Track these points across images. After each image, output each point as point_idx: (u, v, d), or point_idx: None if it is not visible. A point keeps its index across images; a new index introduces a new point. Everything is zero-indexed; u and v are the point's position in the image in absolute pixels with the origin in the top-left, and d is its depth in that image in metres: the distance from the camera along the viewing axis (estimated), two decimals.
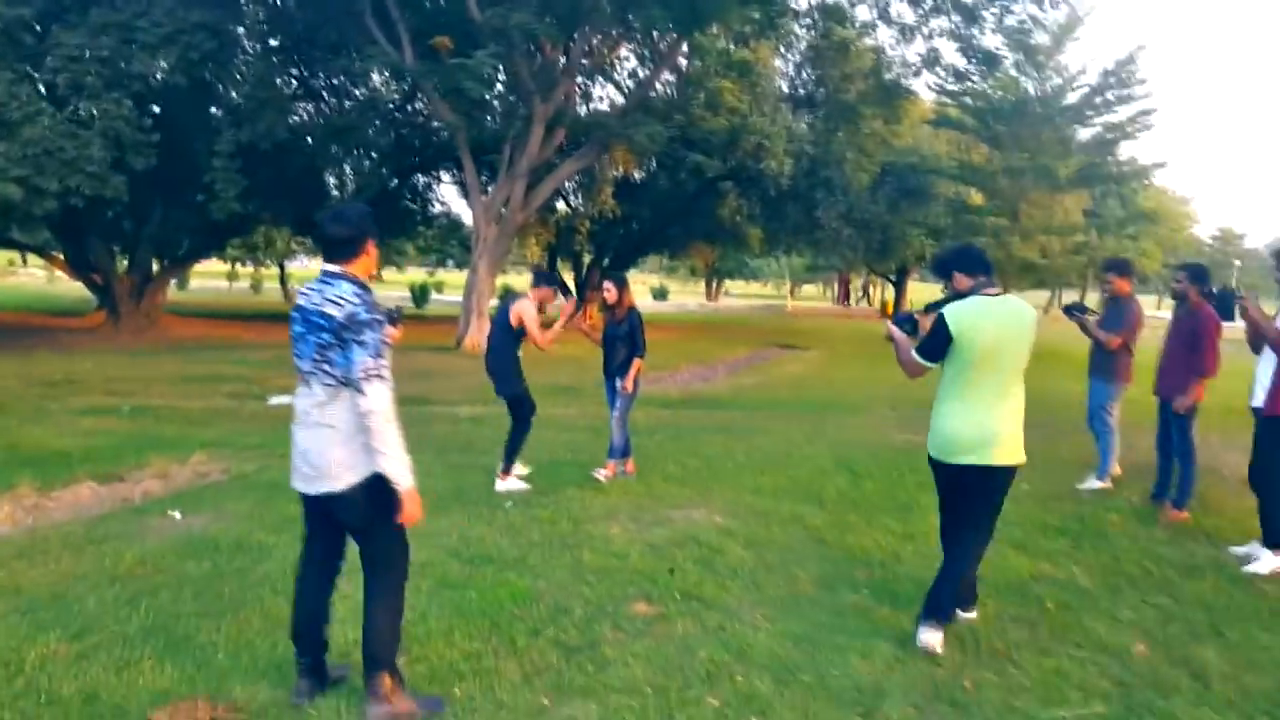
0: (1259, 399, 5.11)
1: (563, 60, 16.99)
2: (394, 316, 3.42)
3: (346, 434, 3.07)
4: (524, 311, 6.53)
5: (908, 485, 6.77)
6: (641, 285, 62.83)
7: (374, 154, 23.73)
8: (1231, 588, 4.69)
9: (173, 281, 38.75)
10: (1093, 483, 6.90)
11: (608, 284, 6.98)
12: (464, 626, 4.00)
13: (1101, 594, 4.56)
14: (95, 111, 16.07)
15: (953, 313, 3.74)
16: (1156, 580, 4.77)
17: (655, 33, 17.75)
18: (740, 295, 77.31)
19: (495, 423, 9.86)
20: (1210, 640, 3.98)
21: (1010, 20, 18.74)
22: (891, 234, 24.87)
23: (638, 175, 24.11)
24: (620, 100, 22.26)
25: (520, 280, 40.46)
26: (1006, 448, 3.73)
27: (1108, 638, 3.99)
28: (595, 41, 19.54)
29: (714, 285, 61.10)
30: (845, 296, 64.77)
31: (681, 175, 22.86)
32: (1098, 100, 23.15)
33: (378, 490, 3.08)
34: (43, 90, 16.23)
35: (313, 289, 3.16)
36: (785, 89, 23.31)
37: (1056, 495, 6.57)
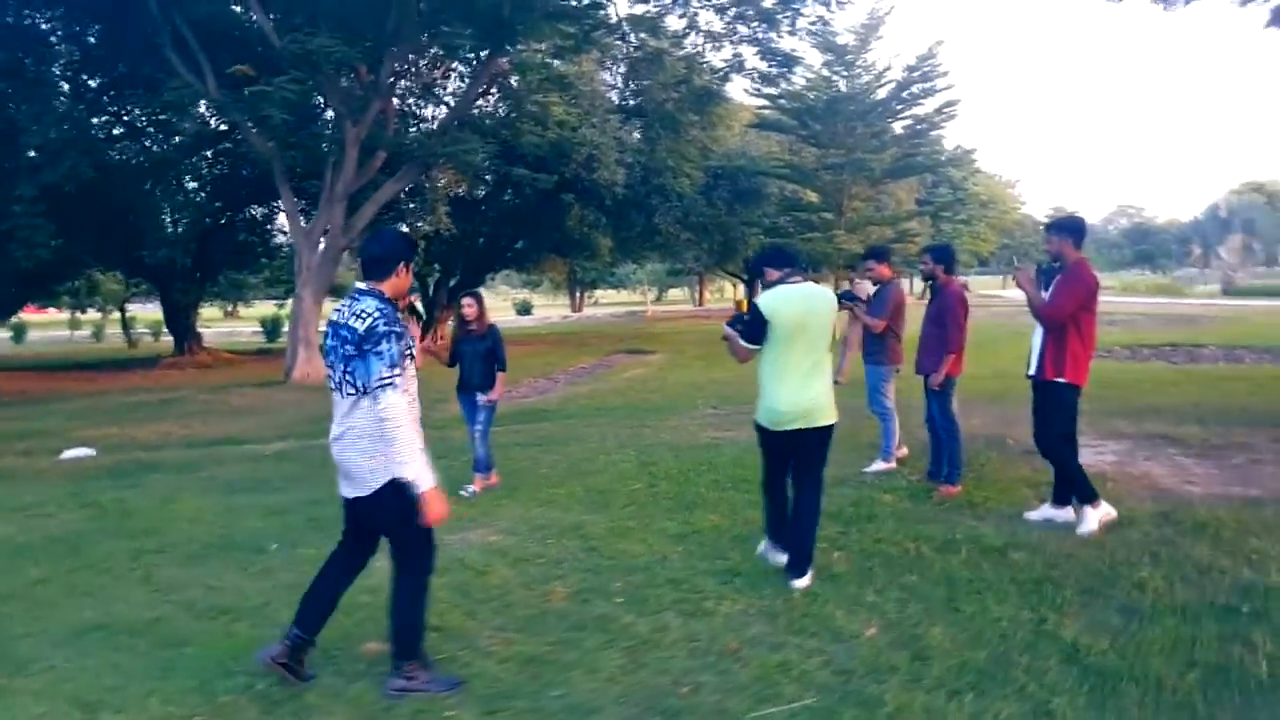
0: (1033, 368, 5.31)
1: (373, 81, 16.46)
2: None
3: (371, 441, 3.28)
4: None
5: (701, 484, 6.78)
6: (504, 301, 62.34)
7: (204, 188, 22.50)
8: (982, 559, 4.78)
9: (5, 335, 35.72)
10: (877, 465, 7.06)
11: (468, 300, 7.00)
12: (164, 690, 3.63)
13: (852, 579, 4.57)
14: None
15: (764, 300, 4.50)
16: (910, 560, 4.82)
17: (466, 52, 17.45)
18: (608, 304, 77.61)
19: (299, 457, 9.47)
20: (943, 617, 4.02)
21: (802, 22, 19.45)
22: (731, 235, 25.38)
23: (473, 192, 23.68)
24: (454, 119, 21.79)
25: None
26: (826, 410, 4.52)
27: (844, 624, 3.97)
28: (420, 62, 19.12)
29: (578, 296, 61.00)
30: (703, 298, 65.90)
31: (522, 190, 22.66)
32: (904, 94, 24.37)
33: (404, 493, 3.28)
34: None
35: (344, 305, 3.43)
36: (615, 100, 23.42)
37: (839, 480, 6.63)
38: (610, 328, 37.66)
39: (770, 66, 20.71)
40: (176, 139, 20.34)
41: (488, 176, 22.44)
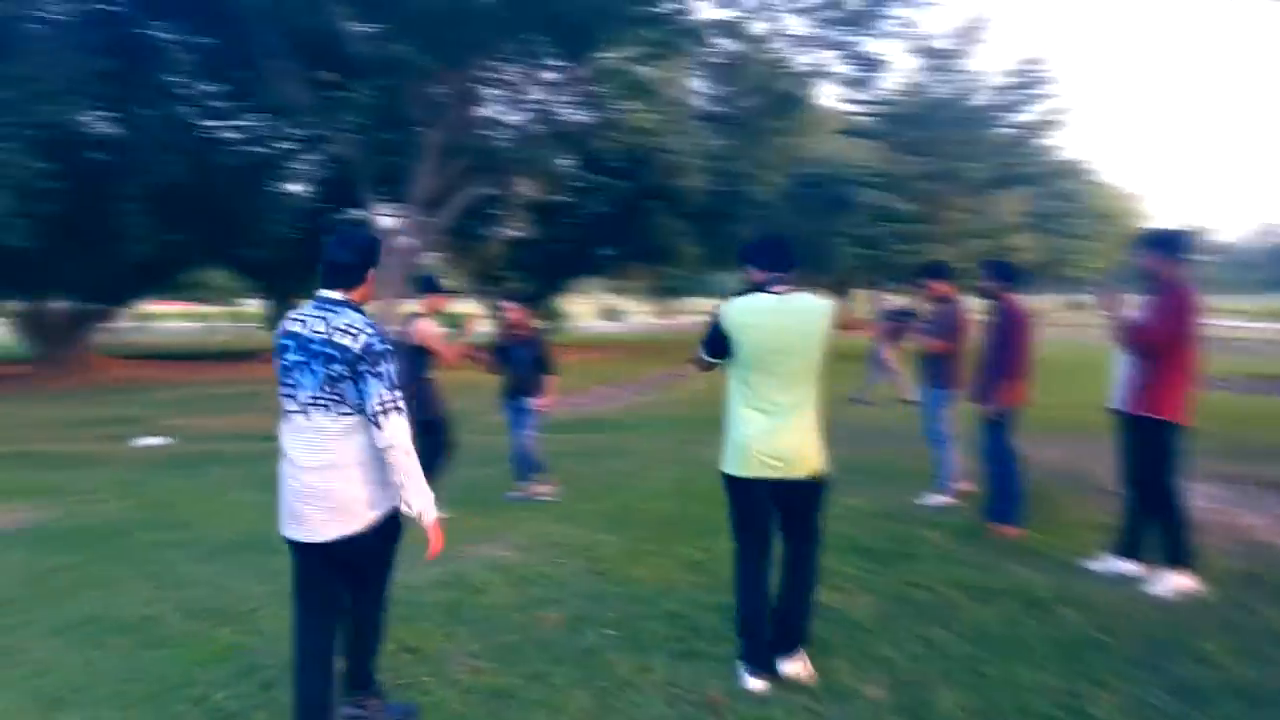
0: (1117, 399, 4.78)
1: (453, 88, 16.63)
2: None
3: (363, 469, 2.97)
4: (425, 330, 6.19)
5: None
6: (592, 306, 62.61)
7: (308, 190, 23.18)
8: (1023, 614, 4.29)
9: (131, 325, 37.82)
10: (932, 498, 6.55)
11: (510, 304, 7.03)
12: (126, 693, 3.56)
13: (873, 626, 4.15)
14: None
15: (731, 310, 3.49)
16: (941, 608, 4.37)
17: (547, 59, 17.43)
18: (702, 313, 77.04)
19: None
20: (961, 679, 3.58)
21: (890, 25, 18.65)
22: (819, 246, 24.55)
23: (554, 198, 23.71)
24: (536, 126, 21.84)
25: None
26: (809, 459, 3.49)
27: (845, 680, 3.57)
28: (502, 69, 19.27)
29: (668, 303, 60.58)
30: None
31: (606, 197, 22.57)
32: (1007, 101, 23.18)
33: (390, 525, 3.07)
34: None
35: (311, 315, 3.02)
36: (701, 106, 23.09)
37: (884, 513, 6.19)
38: (696, 335, 37.17)
39: (857, 71, 19.97)
40: (277, 143, 21.05)
41: (570, 183, 22.42)
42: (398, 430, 2.90)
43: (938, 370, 6.58)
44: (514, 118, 19.51)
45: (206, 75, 19.59)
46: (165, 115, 17.94)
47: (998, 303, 5.88)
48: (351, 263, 3.08)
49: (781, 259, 3.57)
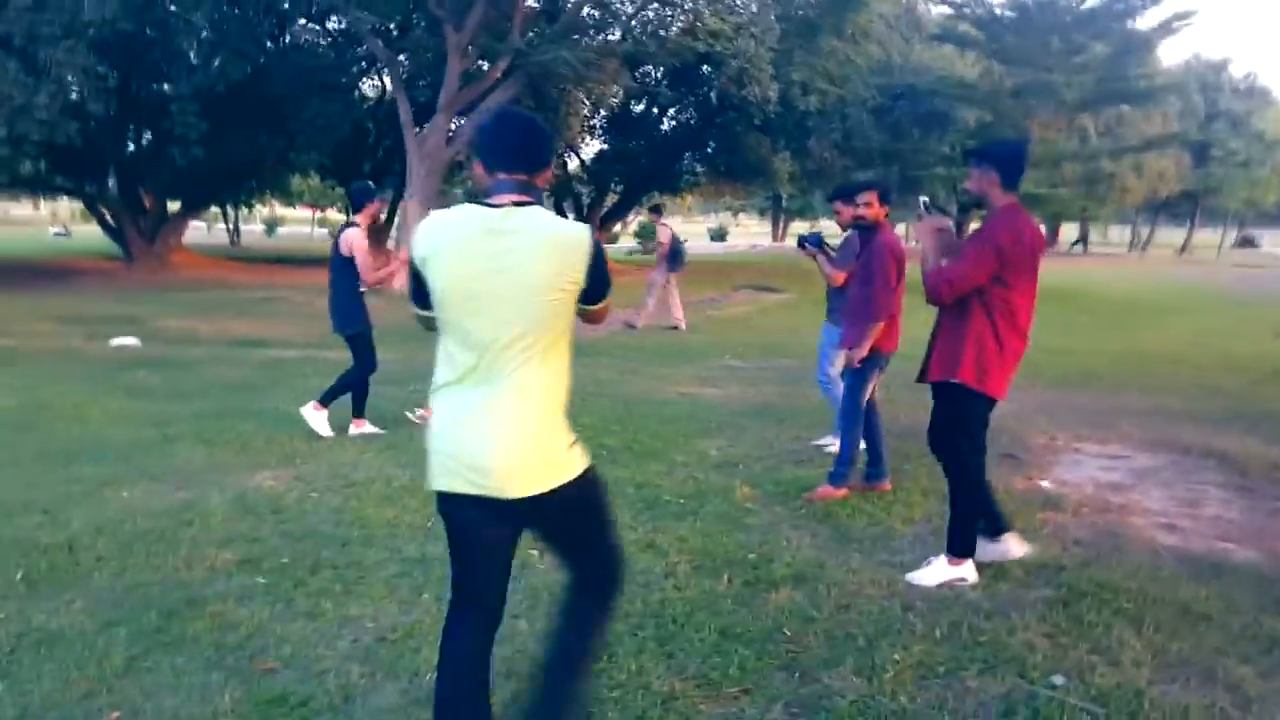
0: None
1: None
2: None
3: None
4: (352, 241, 5.90)
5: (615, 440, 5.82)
6: (699, 226, 61.31)
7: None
8: (735, 590, 3.58)
9: (231, 228, 39.62)
10: (827, 439, 5.84)
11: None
12: None
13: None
14: (51, 59, 16.14)
15: (420, 228, 2.21)
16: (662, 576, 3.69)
17: None
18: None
19: (285, 366, 9.32)
20: None
21: None
22: (908, 165, 22.56)
23: (606, 108, 22.69)
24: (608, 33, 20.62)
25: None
26: (525, 471, 2.13)
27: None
28: None
29: (780, 225, 58.56)
30: None
31: (678, 108, 21.44)
32: (1118, 7, 20.18)
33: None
34: None
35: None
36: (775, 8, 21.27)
37: (753, 457, 5.60)
38: (775, 259, 35.57)
39: None
40: (324, 43, 20.90)
41: (643, 92, 21.17)
42: None
43: (833, 306, 5.75)
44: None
45: None
46: (216, 12, 17.99)
47: (868, 227, 4.95)
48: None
49: (518, 151, 2.20)
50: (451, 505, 2.20)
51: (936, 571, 3.70)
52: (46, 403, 7.21)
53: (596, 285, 2.18)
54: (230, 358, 9.74)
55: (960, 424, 3.67)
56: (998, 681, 2.86)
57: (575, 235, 2.17)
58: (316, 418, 6.04)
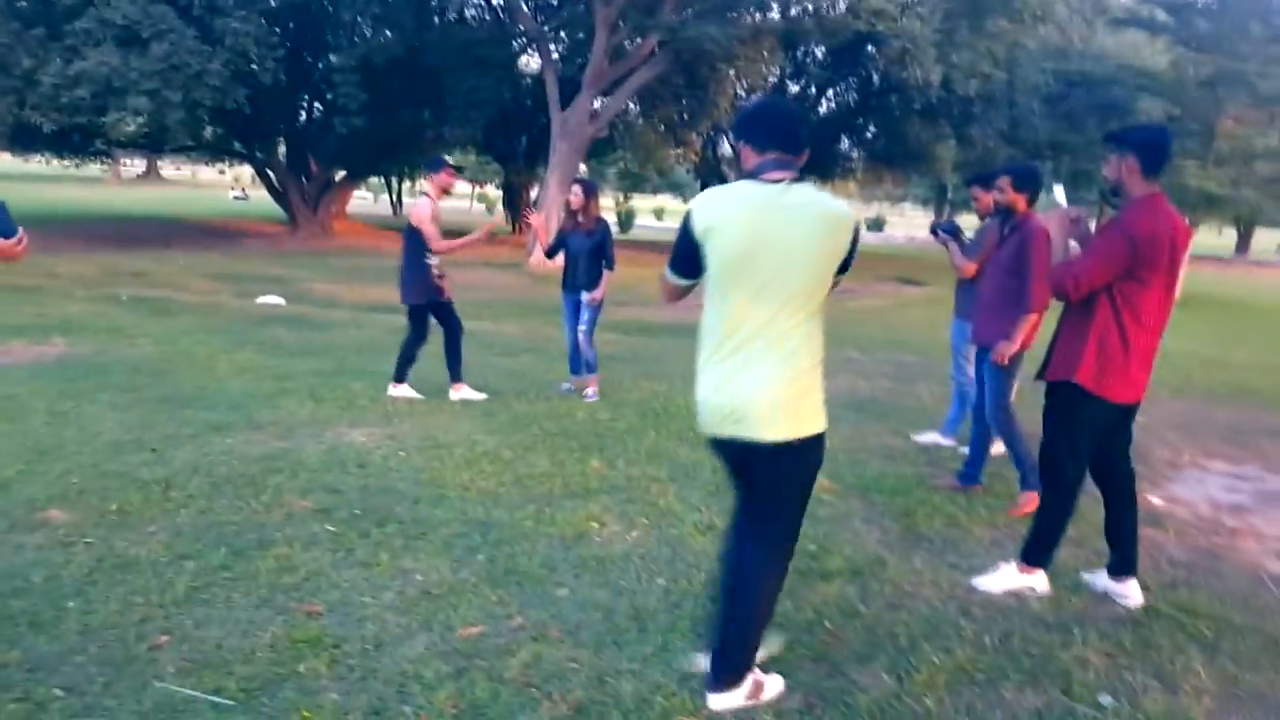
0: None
1: None
2: None
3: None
4: (419, 212, 6.02)
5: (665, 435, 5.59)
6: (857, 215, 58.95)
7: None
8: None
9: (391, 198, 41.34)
10: (930, 436, 5.44)
11: (575, 189, 6.51)
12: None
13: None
14: (226, 28, 17.25)
15: (699, 202, 2.44)
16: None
17: None
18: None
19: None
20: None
21: None
22: (1077, 157, 20.79)
23: (756, 88, 21.94)
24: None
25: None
26: (774, 416, 2.37)
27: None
28: None
29: (944, 216, 55.77)
30: None
31: (834, 90, 20.64)
32: None
33: None
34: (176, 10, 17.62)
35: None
36: None
37: (843, 449, 5.18)
38: (927, 253, 33.82)
39: None
40: (487, 19, 21.25)
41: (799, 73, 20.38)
42: None
43: (964, 299, 5.23)
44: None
45: None
46: None
47: (1015, 218, 4.45)
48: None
49: (786, 134, 2.44)
50: (719, 448, 2.53)
51: (1004, 578, 3.43)
52: (185, 351, 7.60)
53: (851, 258, 2.44)
54: (363, 321, 10.04)
55: (1065, 427, 3.29)
56: (1037, 695, 2.69)
57: (843, 211, 2.42)
58: (462, 394, 6.14)
